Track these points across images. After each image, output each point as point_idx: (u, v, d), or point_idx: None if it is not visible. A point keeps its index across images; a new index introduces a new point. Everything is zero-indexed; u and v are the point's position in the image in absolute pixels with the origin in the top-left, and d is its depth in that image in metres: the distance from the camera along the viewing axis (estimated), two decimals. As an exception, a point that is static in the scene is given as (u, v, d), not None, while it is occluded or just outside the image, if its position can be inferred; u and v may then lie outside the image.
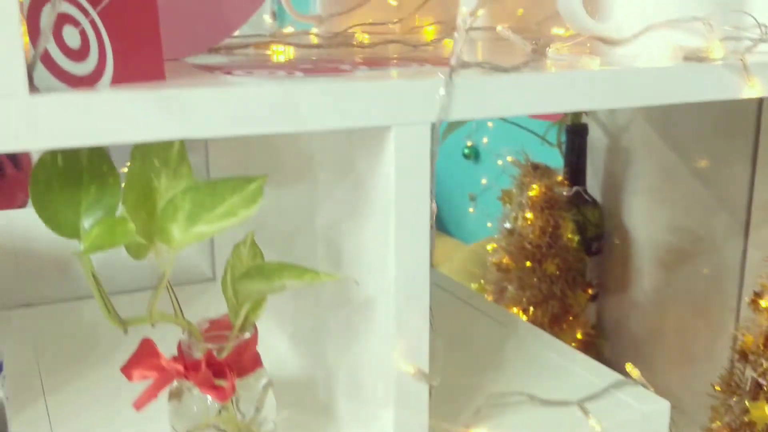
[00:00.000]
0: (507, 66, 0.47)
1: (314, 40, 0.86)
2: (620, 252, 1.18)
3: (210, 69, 0.49)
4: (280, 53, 0.68)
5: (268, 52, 0.68)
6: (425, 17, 1.07)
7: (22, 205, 0.89)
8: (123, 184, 0.42)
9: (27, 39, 0.36)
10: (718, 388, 0.81)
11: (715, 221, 0.96)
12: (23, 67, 0.35)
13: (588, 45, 0.66)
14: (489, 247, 1.26)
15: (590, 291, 1.18)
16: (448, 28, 1.09)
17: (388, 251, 0.45)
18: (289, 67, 0.49)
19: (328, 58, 0.57)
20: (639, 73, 0.49)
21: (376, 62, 0.53)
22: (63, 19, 0.37)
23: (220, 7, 0.58)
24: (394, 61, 0.55)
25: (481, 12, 1.16)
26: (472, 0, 1.15)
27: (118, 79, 0.40)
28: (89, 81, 0.39)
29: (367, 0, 1.05)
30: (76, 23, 0.38)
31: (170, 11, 0.57)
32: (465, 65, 0.45)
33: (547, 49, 0.56)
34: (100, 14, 0.39)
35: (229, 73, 0.45)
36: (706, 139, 0.94)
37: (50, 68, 0.37)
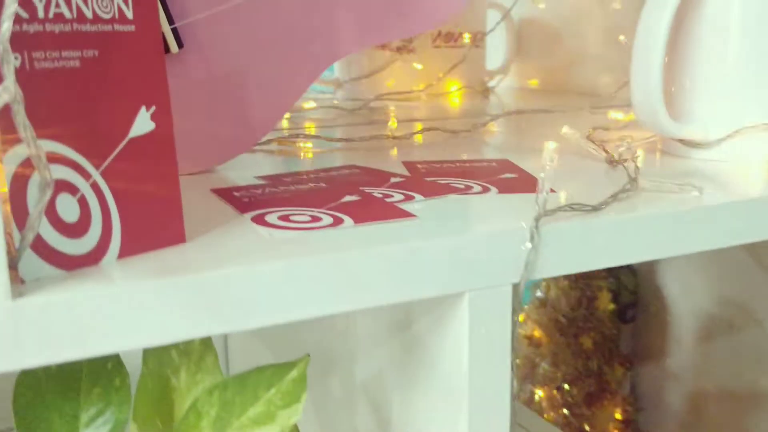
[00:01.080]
0: (594, 204, 0.39)
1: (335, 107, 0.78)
2: (657, 320, 1.10)
3: (235, 202, 0.41)
4: (308, 151, 0.60)
5: (293, 148, 0.60)
6: (451, 80, 0.99)
7: None
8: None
9: (11, 222, 0.28)
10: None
11: (762, 291, 0.89)
12: (3, 265, 0.26)
13: (656, 139, 0.58)
14: (519, 318, 1.16)
15: (627, 365, 1.11)
16: (474, 92, 1.01)
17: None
18: (331, 198, 0.41)
19: (369, 174, 0.49)
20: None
21: (429, 189, 0.44)
22: (57, 187, 0.29)
23: (246, 113, 0.50)
24: (448, 180, 0.46)
25: (511, 69, 1.09)
26: (500, 57, 1.08)
27: (128, 251, 0.32)
28: (90, 260, 0.31)
29: (389, 63, 0.98)
30: (73, 190, 0.30)
31: (191, 122, 0.49)
32: (548, 213, 0.36)
33: (626, 162, 0.48)
34: (104, 173, 0.31)
35: (262, 222, 0.37)
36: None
37: (40, 252, 0.29)
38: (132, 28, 0.32)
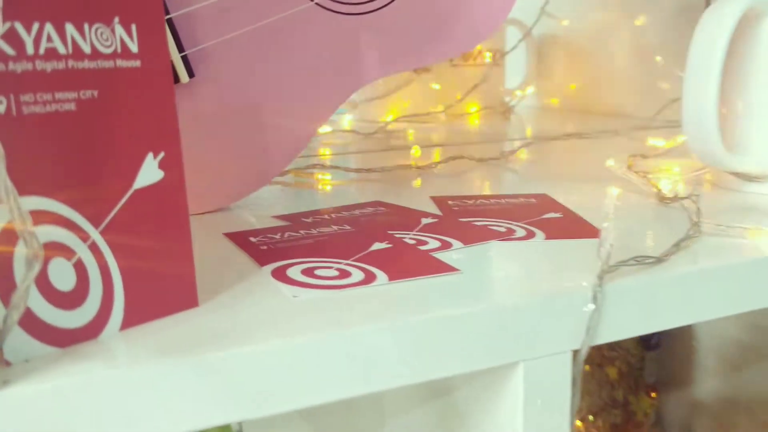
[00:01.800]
0: (658, 255, 0.34)
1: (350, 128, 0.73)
2: (682, 347, 1.06)
3: (252, 250, 0.37)
4: (327, 183, 0.55)
5: (310, 180, 0.56)
6: (470, 100, 0.95)
7: None
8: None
9: (-8, 296, 0.23)
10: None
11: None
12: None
13: (706, 170, 0.53)
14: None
15: (654, 395, 1.06)
16: (494, 113, 0.97)
17: None
18: (359, 245, 0.37)
19: (397, 214, 0.44)
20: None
21: (467, 233, 0.40)
22: (48, 251, 0.25)
23: (262, 147, 0.46)
24: (486, 222, 0.42)
25: (531, 87, 1.05)
26: (519, 76, 1.04)
27: (132, 321, 0.27)
28: (89, 333, 0.26)
29: (405, 83, 0.93)
30: (68, 253, 0.25)
31: (202, 157, 0.45)
32: (612, 269, 0.32)
33: (681, 200, 0.43)
34: (105, 231, 0.26)
35: (284, 278, 0.32)
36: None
37: (29, 328, 0.24)
38: (137, 63, 0.27)
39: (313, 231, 0.40)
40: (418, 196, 0.49)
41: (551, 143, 0.70)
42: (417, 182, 0.57)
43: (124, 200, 0.27)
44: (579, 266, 0.34)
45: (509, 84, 1.00)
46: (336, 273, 0.33)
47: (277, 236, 0.39)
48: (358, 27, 0.47)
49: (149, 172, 0.28)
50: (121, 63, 0.27)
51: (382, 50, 0.48)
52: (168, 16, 0.42)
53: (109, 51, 0.27)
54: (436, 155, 0.68)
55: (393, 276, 0.32)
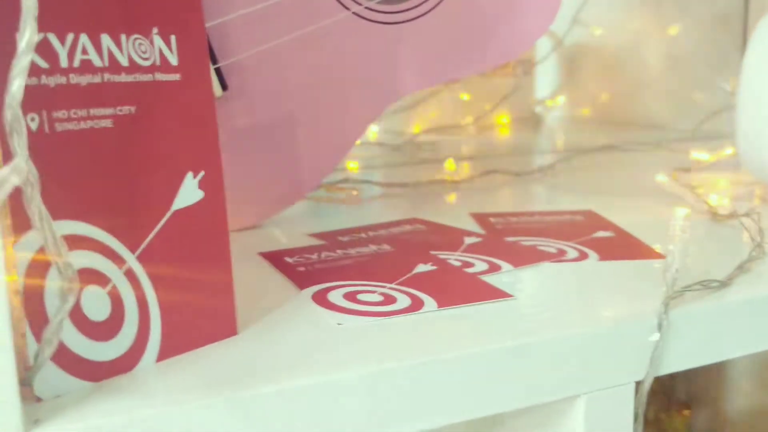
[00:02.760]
0: (722, 279, 0.32)
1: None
2: (713, 363, 1.02)
3: (289, 272, 0.35)
4: (354, 193, 0.53)
5: (343, 195, 0.54)
6: (499, 111, 0.93)
7: None
8: None
9: (25, 329, 0.22)
10: None
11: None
12: (12, 385, 0.20)
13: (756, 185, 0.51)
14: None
15: (686, 413, 1.03)
16: (524, 125, 0.95)
17: None
18: (401, 267, 0.35)
19: (437, 232, 0.42)
20: None
21: (515, 254, 0.38)
22: (83, 278, 0.23)
23: (296, 162, 0.44)
24: (534, 241, 0.40)
25: (562, 98, 1.02)
26: (550, 86, 1.01)
27: (169, 352, 0.26)
28: (123, 366, 0.24)
29: (433, 93, 0.92)
30: (102, 281, 0.24)
31: (235, 173, 0.43)
32: (677, 294, 0.30)
33: (739, 217, 0.41)
34: (141, 257, 0.25)
35: (326, 303, 0.30)
36: None
37: (61, 362, 0.23)
38: (177, 76, 0.26)
39: (351, 251, 0.38)
40: (456, 213, 0.47)
41: (588, 156, 0.68)
42: (452, 197, 0.55)
43: (162, 223, 0.25)
44: (639, 291, 0.32)
45: (539, 94, 0.98)
46: (380, 298, 0.31)
47: (314, 256, 0.37)
48: (396, 37, 0.45)
49: (189, 193, 0.26)
50: (160, 76, 0.25)
51: (420, 61, 0.46)
52: (201, 27, 0.40)
53: (147, 63, 0.25)
54: (466, 168, 0.66)
55: (442, 302, 0.31)
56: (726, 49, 0.83)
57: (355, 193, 0.54)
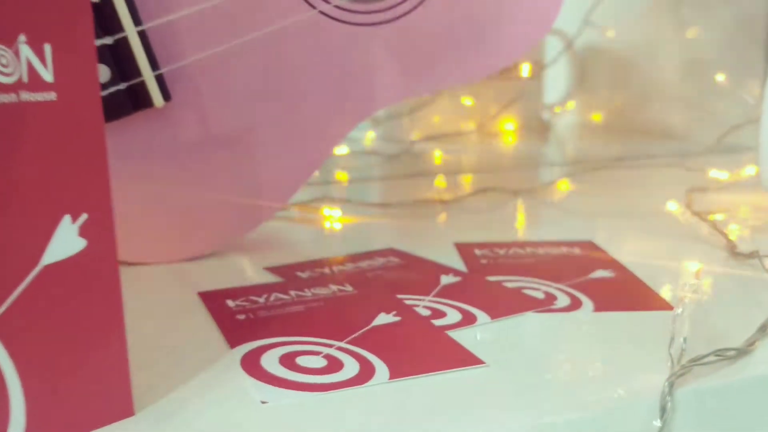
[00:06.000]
0: (740, 346, 0.26)
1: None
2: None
3: (226, 322, 0.29)
4: (334, 220, 0.48)
5: (318, 216, 0.49)
6: (505, 116, 0.87)
7: None
8: None
9: None
10: None
11: None
12: None
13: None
14: None
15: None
16: (531, 132, 0.89)
17: None
18: (359, 318, 0.29)
19: (412, 268, 0.37)
20: None
21: (496, 301, 0.32)
22: None
23: (257, 182, 0.39)
24: (520, 282, 0.34)
25: (572, 103, 0.97)
26: (559, 91, 0.96)
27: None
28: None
29: (434, 98, 0.86)
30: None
31: (180, 196, 0.38)
32: (685, 368, 0.24)
33: (757, 252, 0.35)
34: (0, 322, 0.19)
35: (256, 371, 0.25)
36: None
37: None
38: (52, 96, 0.20)
39: (307, 293, 0.33)
40: (439, 241, 0.42)
41: (596, 172, 0.62)
42: (442, 217, 0.49)
43: (27, 282, 0.20)
44: (639, 360, 0.26)
45: (548, 99, 0.92)
46: (324, 363, 0.26)
47: (262, 299, 0.32)
48: (370, 40, 0.39)
49: (65, 241, 0.21)
50: (27, 96, 0.20)
51: (400, 68, 0.40)
52: (141, 28, 0.35)
53: (10, 80, 0.20)
54: (468, 181, 0.61)
55: (396, 371, 0.25)
56: (749, 55, 0.77)
57: (330, 215, 0.48)
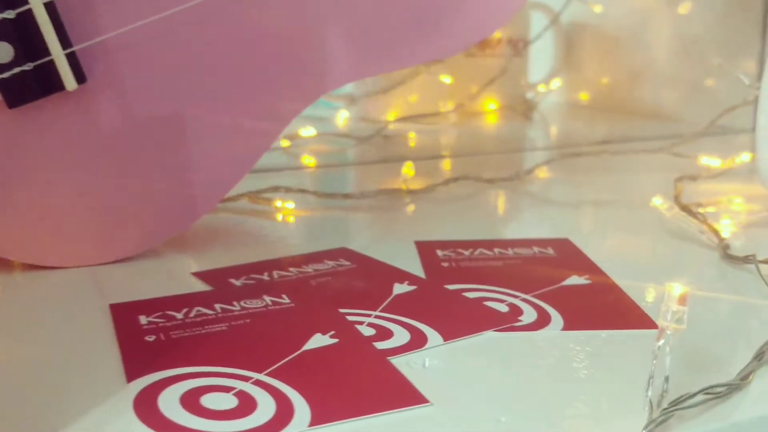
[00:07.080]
0: (733, 380, 0.22)
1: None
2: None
3: (129, 344, 0.25)
4: (288, 213, 0.43)
5: (270, 208, 0.44)
6: (487, 96, 0.83)
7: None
8: None
9: None
10: None
11: None
12: None
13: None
14: None
15: None
16: (514, 112, 0.85)
17: None
18: (291, 340, 0.25)
19: (364, 275, 0.32)
20: None
21: (452, 317, 0.28)
22: None
23: (190, 173, 0.34)
24: (482, 291, 0.30)
25: (557, 81, 0.92)
26: (544, 68, 0.91)
27: None
28: None
29: (411, 75, 0.81)
30: None
31: (99, 190, 0.33)
32: (665, 413, 0.20)
33: (753, 257, 0.31)
34: None
35: (148, 414, 0.21)
36: None
37: None
38: None
39: (236, 306, 0.28)
40: (399, 239, 0.38)
41: (580, 157, 0.57)
42: (409, 209, 0.45)
43: None
44: (614, 395, 0.22)
45: (532, 77, 0.88)
46: (234, 402, 0.21)
47: (180, 315, 0.27)
48: (323, 11, 0.35)
49: None
50: None
51: (360, 43, 0.36)
52: (47, -1, 0.30)
53: None
54: (445, 167, 0.57)
55: (319, 414, 0.21)
56: (745, 32, 0.73)
57: (284, 206, 0.44)
